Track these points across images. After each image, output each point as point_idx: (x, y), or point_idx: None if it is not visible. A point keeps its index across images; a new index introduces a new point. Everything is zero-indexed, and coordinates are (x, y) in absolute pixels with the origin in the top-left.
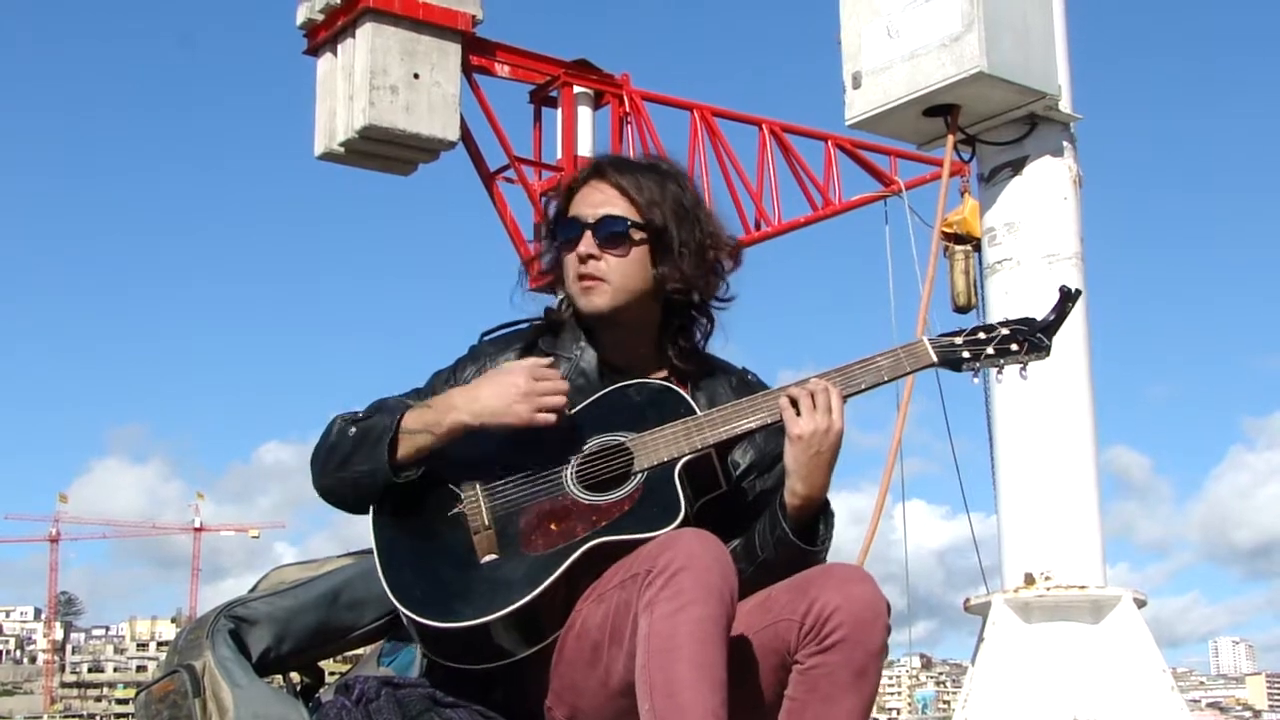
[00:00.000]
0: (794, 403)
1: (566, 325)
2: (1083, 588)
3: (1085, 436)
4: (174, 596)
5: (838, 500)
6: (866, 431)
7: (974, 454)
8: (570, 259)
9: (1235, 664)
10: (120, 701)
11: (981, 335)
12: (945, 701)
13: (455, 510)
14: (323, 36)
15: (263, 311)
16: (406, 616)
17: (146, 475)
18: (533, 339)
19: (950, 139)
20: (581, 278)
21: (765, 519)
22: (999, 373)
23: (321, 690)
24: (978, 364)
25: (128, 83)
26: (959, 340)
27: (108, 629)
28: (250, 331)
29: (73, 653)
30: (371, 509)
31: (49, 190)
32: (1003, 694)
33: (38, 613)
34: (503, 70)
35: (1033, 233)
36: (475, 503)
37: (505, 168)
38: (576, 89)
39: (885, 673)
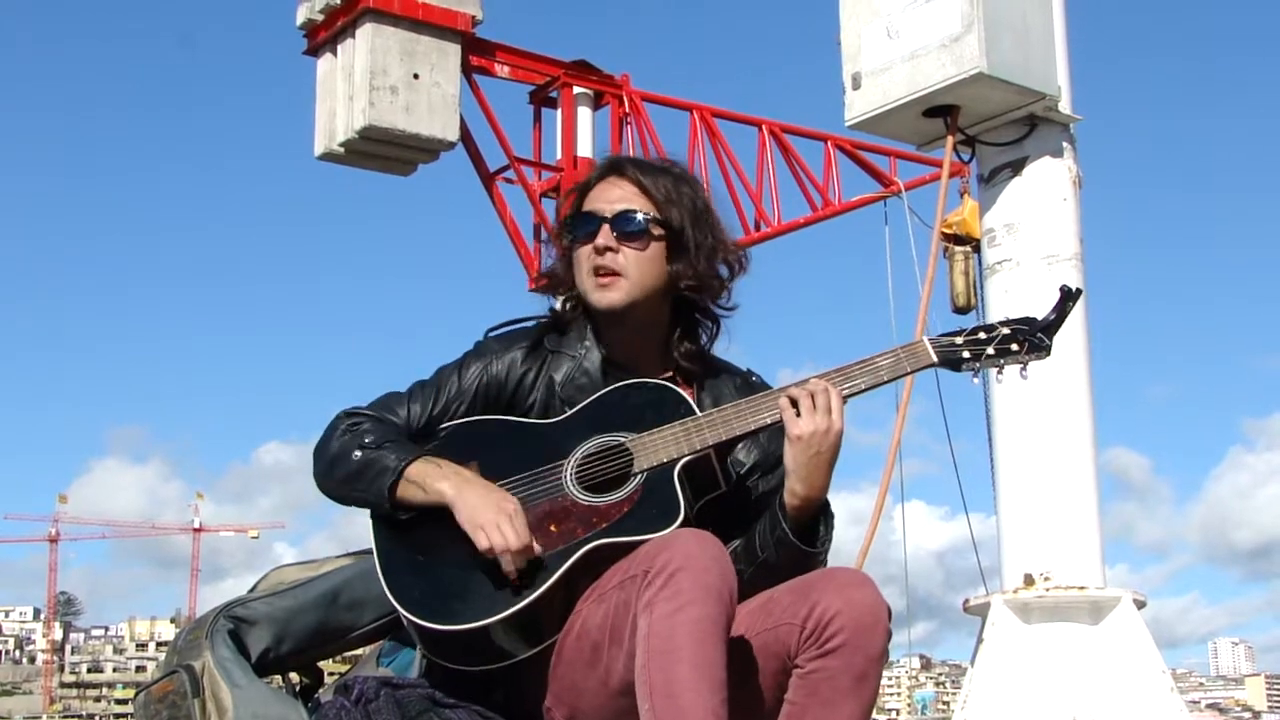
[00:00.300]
0: (794, 403)
1: (573, 324)
2: (1082, 589)
3: (1085, 437)
4: (173, 597)
5: (837, 501)
6: (866, 431)
7: (974, 454)
8: (585, 252)
9: (1235, 665)
10: (119, 702)
11: (982, 335)
12: (945, 702)
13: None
14: (323, 37)
15: (263, 312)
16: (406, 618)
17: (146, 476)
18: (538, 337)
19: (950, 140)
20: (598, 271)
21: (765, 519)
22: (999, 373)
23: (321, 690)
24: (978, 364)
25: (128, 83)
26: (959, 340)
27: (107, 629)
28: (250, 332)
29: (72, 653)
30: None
31: (49, 190)
32: (1002, 695)
33: (37, 613)
34: (502, 71)
35: (1032, 233)
36: None
37: (505, 168)
38: (576, 89)
39: (884, 673)
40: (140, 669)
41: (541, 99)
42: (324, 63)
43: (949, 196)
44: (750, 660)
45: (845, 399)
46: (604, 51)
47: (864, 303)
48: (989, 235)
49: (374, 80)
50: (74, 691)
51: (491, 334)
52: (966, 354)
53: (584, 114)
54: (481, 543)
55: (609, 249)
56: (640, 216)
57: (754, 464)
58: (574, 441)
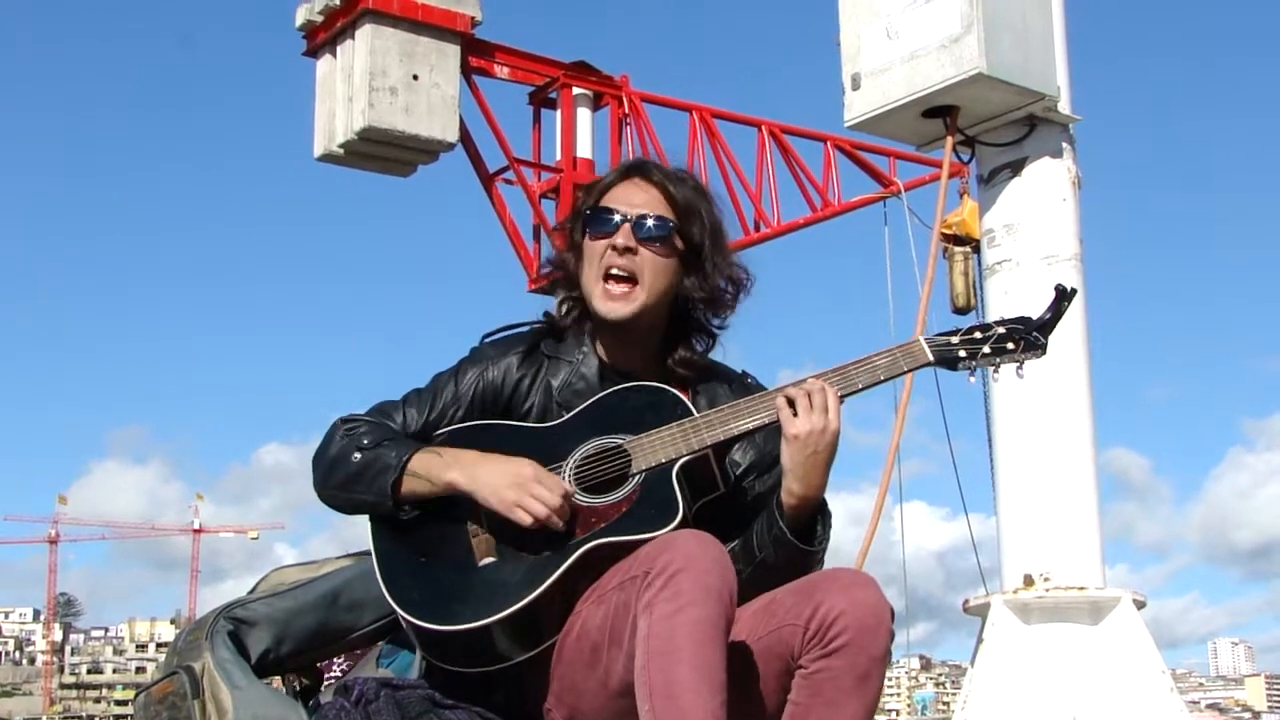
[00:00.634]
0: (791, 403)
1: (569, 329)
2: (1082, 589)
3: (1084, 438)
4: (173, 598)
5: (837, 501)
6: (866, 432)
7: (974, 455)
8: (599, 248)
9: (1234, 665)
10: (119, 703)
11: (978, 334)
12: (944, 703)
13: (453, 514)
14: (322, 38)
15: (262, 313)
16: (405, 620)
17: (146, 477)
18: (534, 342)
19: (949, 140)
20: (611, 274)
21: (763, 519)
22: (995, 371)
23: (321, 691)
24: (974, 363)
25: (128, 83)
26: (955, 339)
27: (107, 630)
28: (250, 332)
29: (72, 654)
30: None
31: (49, 190)
32: (1002, 695)
33: (37, 614)
34: (502, 72)
35: (1032, 234)
36: (473, 505)
37: (504, 169)
38: (576, 90)
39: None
40: (140, 670)
41: (541, 100)
42: (323, 64)
43: (949, 197)
44: (754, 662)
45: (842, 398)
46: (604, 52)
47: (864, 303)
48: (989, 236)
49: (373, 81)
50: (74, 692)
51: (487, 340)
52: (963, 353)
53: (584, 115)
54: (524, 521)
55: (629, 249)
56: (666, 223)
57: (750, 464)
58: (572, 444)
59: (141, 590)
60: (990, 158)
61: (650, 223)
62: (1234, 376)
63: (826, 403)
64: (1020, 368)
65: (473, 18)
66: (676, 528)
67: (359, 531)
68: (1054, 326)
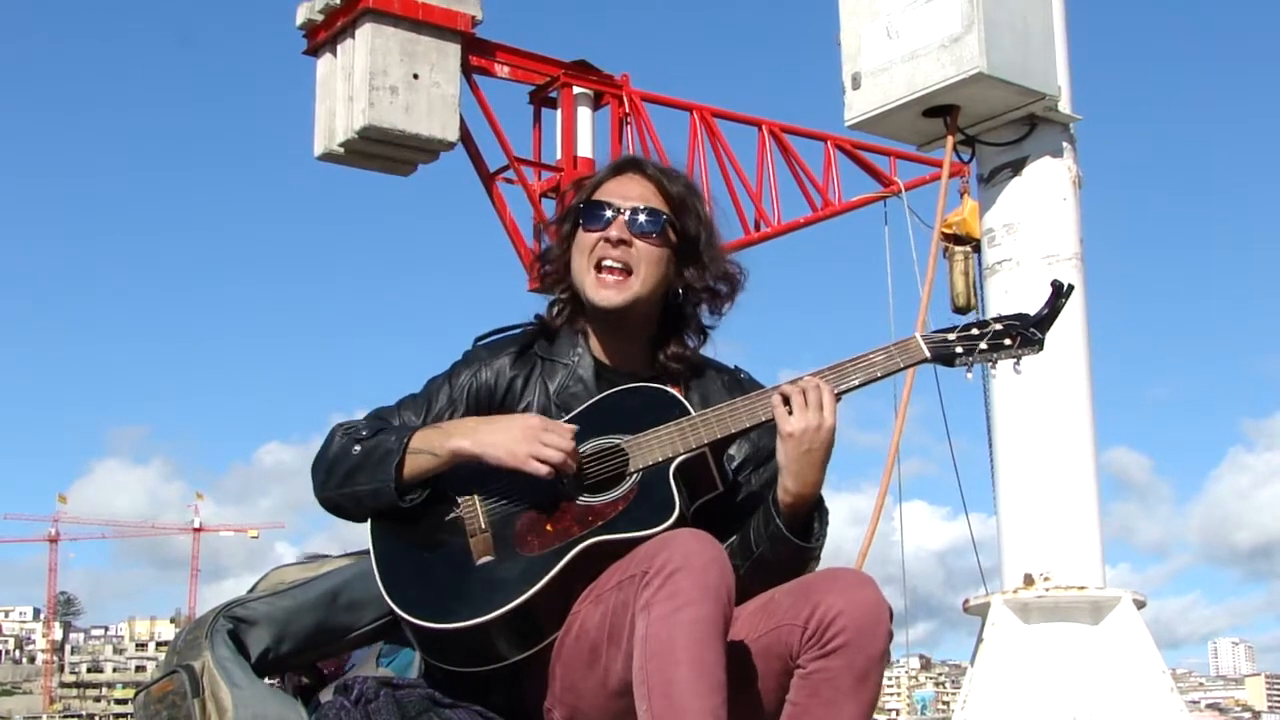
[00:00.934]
0: (786, 400)
1: (562, 330)
2: (1082, 589)
3: (1085, 437)
4: (173, 597)
5: (837, 501)
6: (866, 432)
7: (974, 454)
8: (592, 241)
9: (1235, 665)
10: (119, 701)
11: (975, 330)
12: (944, 702)
13: (452, 513)
14: (322, 37)
15: (263, 312)
16: (403, 619)
17: (147, 476)
18: (527, 343)
19: (950, 140)
20: (604, 265)
21: (760, 515)
22: (993, 368)
23: (321, 691)
24: (971, 359)
25: (128, 83)
26: (952, 336)
27: (107, 629)
28: (251, 332)
29: (72, 653)
30: None
31: (49, 190)
32: (1002, 695)
33: (37, 613)
34: (502, 71)
35: (1032, 234)
36: (471, 505)
37: (505, 168)
38: (576, 89)
39: (884, 673)
40: (140, 669)
41: (541, 99)
42: (324, 63)
43: (949, 196)
44: (752, 662)
45: (839, 396)
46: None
47: (864, 303)
48: (989, 235)
49: (374, 80)
50: (74, 691)
51: (479, 342)
52: (959, 349)
53: (584, 114)
54: (540, 471)
55: (622, 241)
56: (659, 216)
57: (744, 459)
58: None
59: (141, 589)
60: (990, 157)
61: (643, 216)
62: (1234, 376)
63: (822, 400)
64: (1017, 363)
65: (473, 17)
66: (673, 526)
67: (359, 532)
68: (1051, 322)
